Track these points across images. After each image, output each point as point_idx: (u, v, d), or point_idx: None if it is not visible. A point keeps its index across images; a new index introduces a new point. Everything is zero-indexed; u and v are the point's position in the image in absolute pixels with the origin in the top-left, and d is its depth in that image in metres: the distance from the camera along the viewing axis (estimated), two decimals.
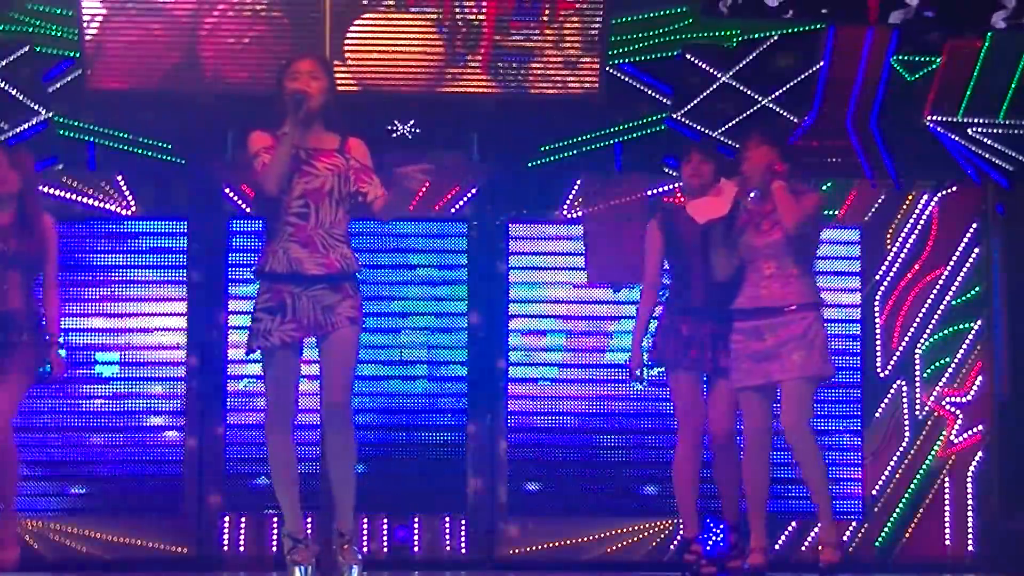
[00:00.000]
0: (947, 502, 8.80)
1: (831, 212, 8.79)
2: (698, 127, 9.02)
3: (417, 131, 8.67)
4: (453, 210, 8.71)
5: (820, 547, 6.86)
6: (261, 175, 5.81)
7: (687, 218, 7.23)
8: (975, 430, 8.83)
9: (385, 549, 8.53)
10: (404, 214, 6.09)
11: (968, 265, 8.90)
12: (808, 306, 6.81)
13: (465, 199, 8.72)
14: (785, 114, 9.03)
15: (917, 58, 8.98)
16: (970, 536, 8.77)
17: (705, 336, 7.07)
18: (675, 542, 8.50)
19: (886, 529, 8.77)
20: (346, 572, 5.84)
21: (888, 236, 8.91)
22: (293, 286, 5.80)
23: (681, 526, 7.40)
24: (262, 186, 5.82)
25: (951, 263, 8.88)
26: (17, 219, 7.02)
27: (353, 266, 5.88)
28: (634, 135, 9.01)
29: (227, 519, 8.50)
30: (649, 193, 8.77)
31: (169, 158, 8.75)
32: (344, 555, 5.86)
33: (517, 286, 8.73)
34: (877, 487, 8.77)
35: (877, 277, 8.86)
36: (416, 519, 8.58)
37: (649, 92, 9.03)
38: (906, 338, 8.85)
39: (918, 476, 8.80)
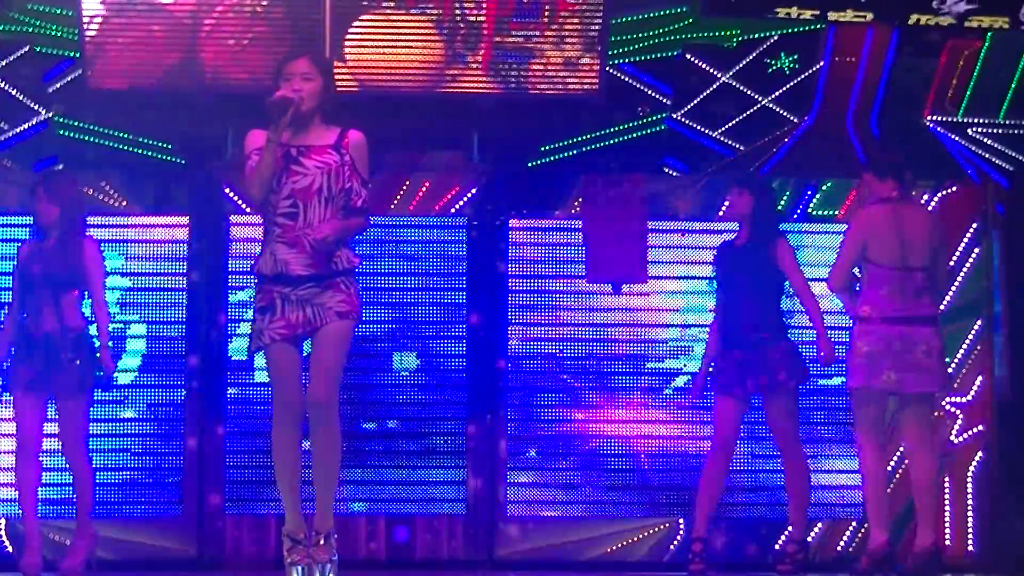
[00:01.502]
0: (947, 502, 8.79)
1: (831, 212, 8.80)
2: (698, 127, 9.02)
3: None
4: (453, 210, 8.71)
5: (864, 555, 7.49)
6: (247, 179, 5.82)
7: (732, 256, 7.81)
8: (975, 430, 8.82)
9: (385, 549, 8.53)
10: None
11: (968, 265, 8.89)
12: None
13: (465, 199, 8.72)
14: (785, 114, 9.03)
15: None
16: (970, 536, 8.77)
17: (731, 363, 7.72)
18: (675, 542, 8.51)
19: None
20: (319, 571, 5.80)
21: None
22: (281, 287, 5.79)
23: (686, 524, 7.87)
24: (247, 190, 5.86)
25: (951, 263, 8.87)
26: (59, 243, 7.44)
27: (343, 264, 5.81)
28: (634, 135, 9.01)
29: (227, 519, 8.49)
30: (649, 193, 8.76)
31: (169, 158, 8.75)
32: (318, 553, 5.82)
33: (517, 287, 8.72)
34: None
35: None
36: (416, 519, 8.57)
37: (649, 92, 9.04)
38: None
39: None
